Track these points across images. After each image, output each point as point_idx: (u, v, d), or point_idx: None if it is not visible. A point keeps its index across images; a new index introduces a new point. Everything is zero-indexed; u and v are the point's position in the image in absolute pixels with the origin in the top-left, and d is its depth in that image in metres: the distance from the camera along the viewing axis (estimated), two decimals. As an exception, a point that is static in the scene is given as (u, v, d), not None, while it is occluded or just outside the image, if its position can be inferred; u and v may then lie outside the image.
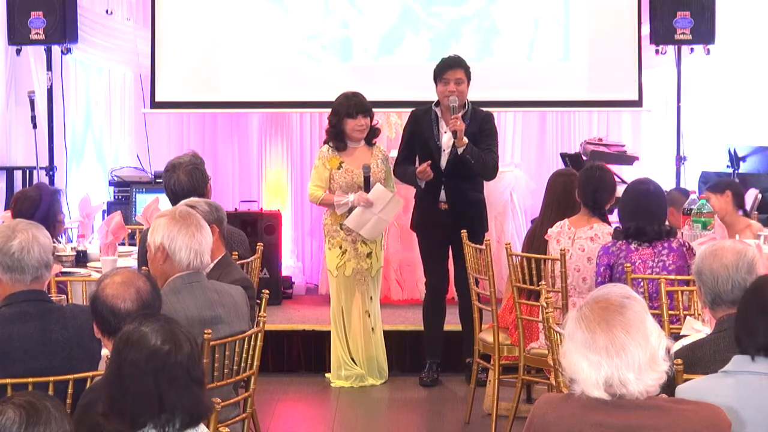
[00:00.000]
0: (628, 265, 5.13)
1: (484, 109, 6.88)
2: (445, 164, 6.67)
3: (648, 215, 5.25)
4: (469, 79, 6.66)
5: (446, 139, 6.67)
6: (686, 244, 5.28)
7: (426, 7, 8.32)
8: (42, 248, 3.73)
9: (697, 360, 3.38)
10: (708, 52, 8.26)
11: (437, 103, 6.75)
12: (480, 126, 6.69)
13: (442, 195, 6.70)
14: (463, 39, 8.26)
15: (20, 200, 5.79)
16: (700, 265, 3.56)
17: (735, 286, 3.44)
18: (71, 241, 6.65)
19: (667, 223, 5.42)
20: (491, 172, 6.76)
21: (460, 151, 6.56)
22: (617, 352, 2.66)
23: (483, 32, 8.32)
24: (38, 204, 5.66)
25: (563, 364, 2.76)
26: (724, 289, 3.43)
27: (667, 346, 2.74)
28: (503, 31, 8.33)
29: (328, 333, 6.95)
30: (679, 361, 3.31)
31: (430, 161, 6.60)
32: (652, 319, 2.76)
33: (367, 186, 6.67)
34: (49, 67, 8.36)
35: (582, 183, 5.74)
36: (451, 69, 6.63)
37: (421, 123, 6.78)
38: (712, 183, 6.45)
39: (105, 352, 3.62)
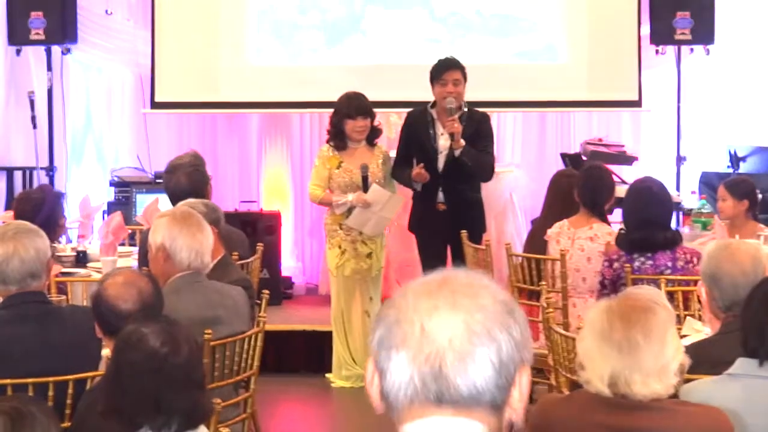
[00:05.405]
0: (628, 265, 5.10)
1: (483, 109, 6.88)
2: (442, 166, 6.68)
3: (655, 222, 5.16)
4: (465, 80, 6.65)
5: (443, 141, 6.67)
6: (693, 260, 5.09)
7: (427, 8, 8.32)
8: (23, 261, 3.68)
9: (703, 359, 3.37)
10: (708, 52, 8.26)
11: (433, 105, 6.74)
12: (476, 127, 6.68)
13: (440, 196, 6.71)
14: (464, 39, 8.25)
15: (23, 201, 5.78)
16: (715, 270, 3.52)
17: None
18: (71, 242, 6.65)
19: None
20: (488, 173, 6.77)
21: (457, 153, 6.56)
22: (629, 351, 2.66)
23: (483, 33, 8.32)
24: (41, 207, 5.64)
25: (578, 348, 2.76)
26: (744, 294, 3.35)
27: (681, 362, 2.72)
28: (503, 31, 8.33)
29: (329, 333, 6.95)
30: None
31: (423, 164, 6.61)
32: (676, 333, 2.75)
33: (365, 186, 6.67)
34: (49, 68, 8.36)
35: (581, 183, 5.74)
36: (448, 70, 6.63)
37: (417, 125, 6.78)
38: (733, 183, 6.30)
39: (105, 352, 3.63)
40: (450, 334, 1.56)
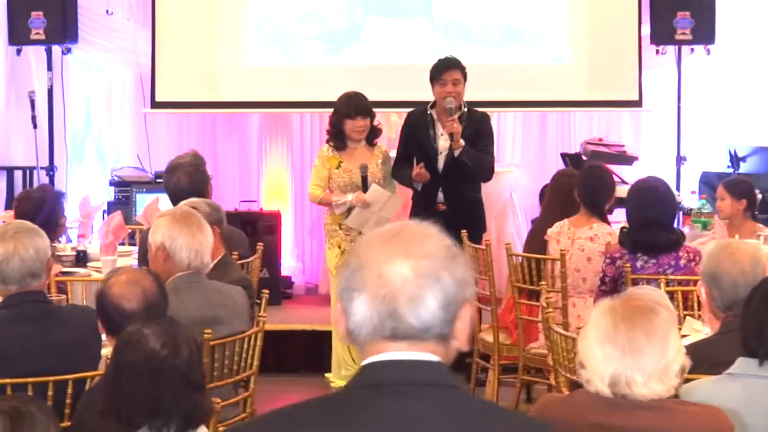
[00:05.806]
0: (628, 265, 5.09)
1: (483, 109, 6.88)
2: (442, 166, 6.67)
3: (659, 222, 5.14)
4: (465, 79, 6.65)
5: (443, 142, 6.67)
6: (695, 258, 5.08)
7: (426, 8, 8.32)
8: (23, 260, 3.68)
9: (702, 359, 3.36)
10: (708, 52, 8.26)
11: (433, 105, 6.74)
12: (476, 127, 6.68)
13: (440, 196, 6.70)
14: (463, 39, 8.25)
15: (24, 201, 5.78)
16: (715, 270, 3.51)
17: None
18: (71, 241, 6.64)
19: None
20: (488, 173, 6.76)
21: (456, 153, 6.56)
22: (632, 353, 2.65)
23: (483, 33, 8.31)
24: (41, 206, 5.63)
25: (579, 346, 2.76)
26: (743, 294, 3.33)
27: (682, 364, 2.72)
28: (503, 31, 8.32)
29: (329, 333, 6.95)
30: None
31: (423, 164, 6.61)
32: (677, 334, 2.74)
33: (364, 186, 6.67)
34: (50, 67, 8.36)
35: (581, 183, 5.73)
36: (448, 70, 6.62)
37: (417, 125, 6.77)
38: (732, 182, 6.29)
39: (104, 352, 3.62)
40: (402, 278, 1.81)
